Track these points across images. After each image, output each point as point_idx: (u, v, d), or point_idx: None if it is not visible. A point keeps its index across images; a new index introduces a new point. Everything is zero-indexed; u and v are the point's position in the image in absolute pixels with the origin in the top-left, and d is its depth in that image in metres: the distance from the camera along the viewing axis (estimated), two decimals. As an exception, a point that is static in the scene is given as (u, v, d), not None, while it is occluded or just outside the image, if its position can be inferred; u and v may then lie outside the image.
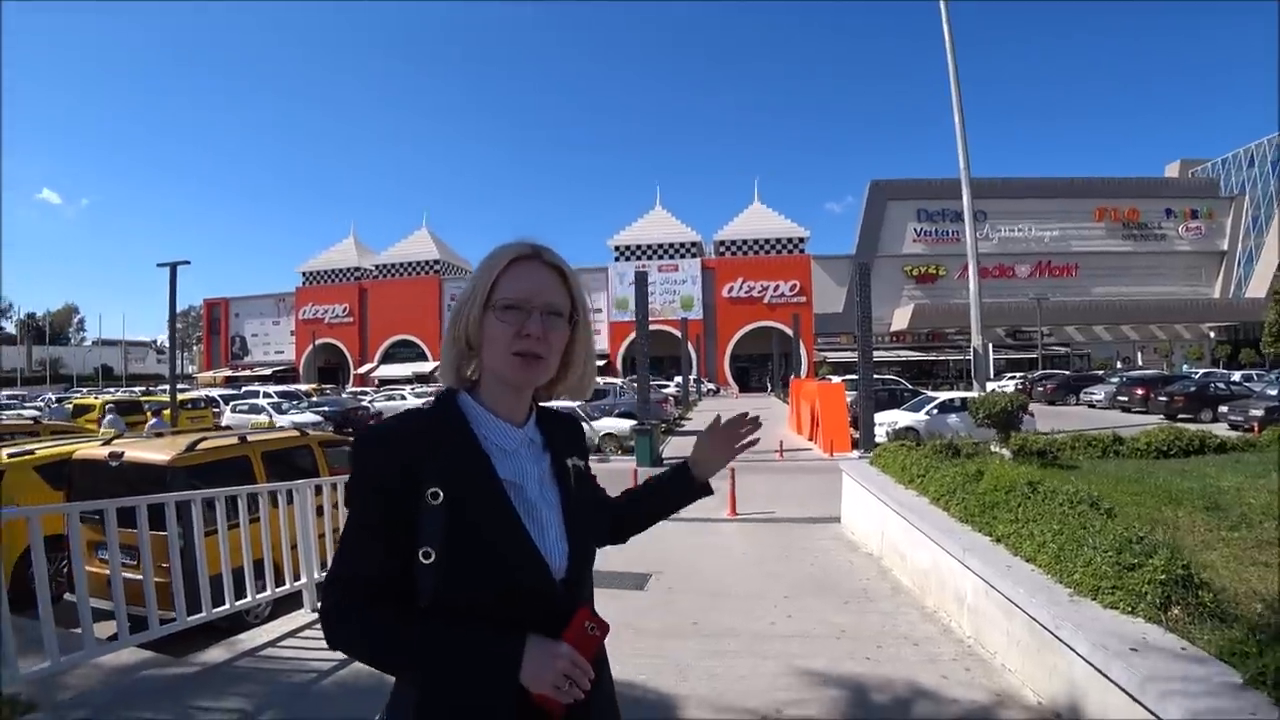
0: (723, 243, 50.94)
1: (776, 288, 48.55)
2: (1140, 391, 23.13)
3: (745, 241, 50.46)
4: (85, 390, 41.94)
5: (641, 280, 15.17)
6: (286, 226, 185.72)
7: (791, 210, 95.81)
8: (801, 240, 50.28)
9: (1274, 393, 19.46)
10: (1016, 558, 3.62)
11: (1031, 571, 3.40)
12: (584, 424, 14.60)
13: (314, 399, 26.11)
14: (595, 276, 49.73)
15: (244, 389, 32.04)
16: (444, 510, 0.93)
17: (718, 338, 48.66)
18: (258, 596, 4.29)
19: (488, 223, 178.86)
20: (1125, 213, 50.96)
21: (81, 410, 19.28)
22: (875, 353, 17.16)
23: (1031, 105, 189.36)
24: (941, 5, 15.88)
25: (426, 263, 55.54)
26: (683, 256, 50.48)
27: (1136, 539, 3.12)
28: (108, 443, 5.71)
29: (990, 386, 20.55)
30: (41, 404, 25.89)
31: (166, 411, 17.14)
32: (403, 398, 27.93)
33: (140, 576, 3.58)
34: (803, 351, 39.97)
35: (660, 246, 50.84)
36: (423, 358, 51.37)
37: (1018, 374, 37.88)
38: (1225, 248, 51.61)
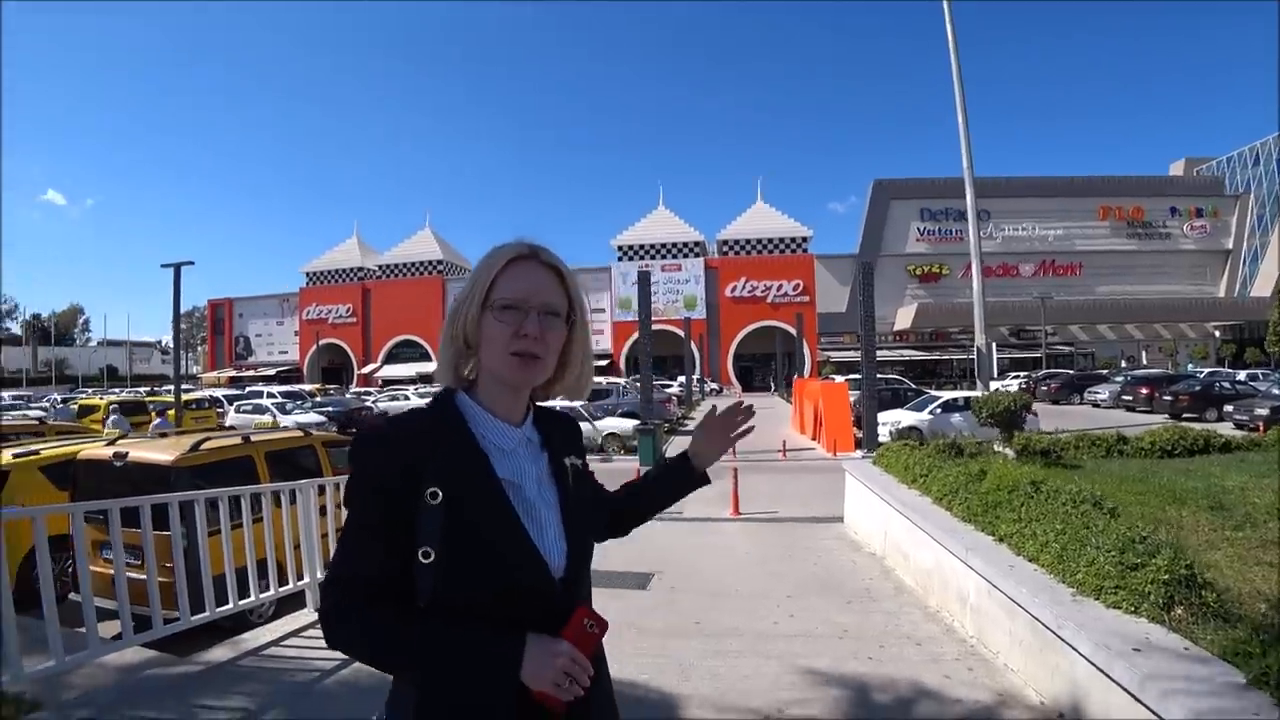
0: (726, 242, 50.97)
1: (780, 287, 48.55)
2: (1145, 391, 23.02)
3: (748, 241, 50.48)
4: (90, 391, 41.96)
5: (644, 280, 15.14)
6: (290, 227, 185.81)
7: (794, 210, 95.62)
8: (804, 240, 50.30)
9: (1279, 392, 19.38)
10: (1019, 557, 3.62)
11: (1034, 571, 3.39)
12: (585, 424, 14.62)
13: (318, 399, 26.12)
14: (598, 276, 49.83)
15: (248, 389, 32.05)
16: (443, 510, 0.94)
17: (721, 337, 48.68)
18: (261, 596, 4.30)
19: (490, 223, 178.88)
20: (1129, 211, 50.72)
21: (86, 410, 19.41)
22: (878, 352, 17.11)
23: (1035, 104, 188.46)
24: (945, 5, 15.85)
25: (429, 263, 55.68)
26: (686, 256, 50.49)
27: (1140, 539, 3.12)
28: (112, 443, 5.73)
29: (994, 386, 20.46)
30: (47, 404, 25.96)
31: (171, 412, 17.18)
32: (406, 398, 27.94)
33: (144, 576, 3.61)
34: (806, 351, 39.86)
35: (663, 246, 50.90)
36: (426, 358, 51.39)
37: (1021, 373, 37.72)
38: (1230, 246, 51.32)
